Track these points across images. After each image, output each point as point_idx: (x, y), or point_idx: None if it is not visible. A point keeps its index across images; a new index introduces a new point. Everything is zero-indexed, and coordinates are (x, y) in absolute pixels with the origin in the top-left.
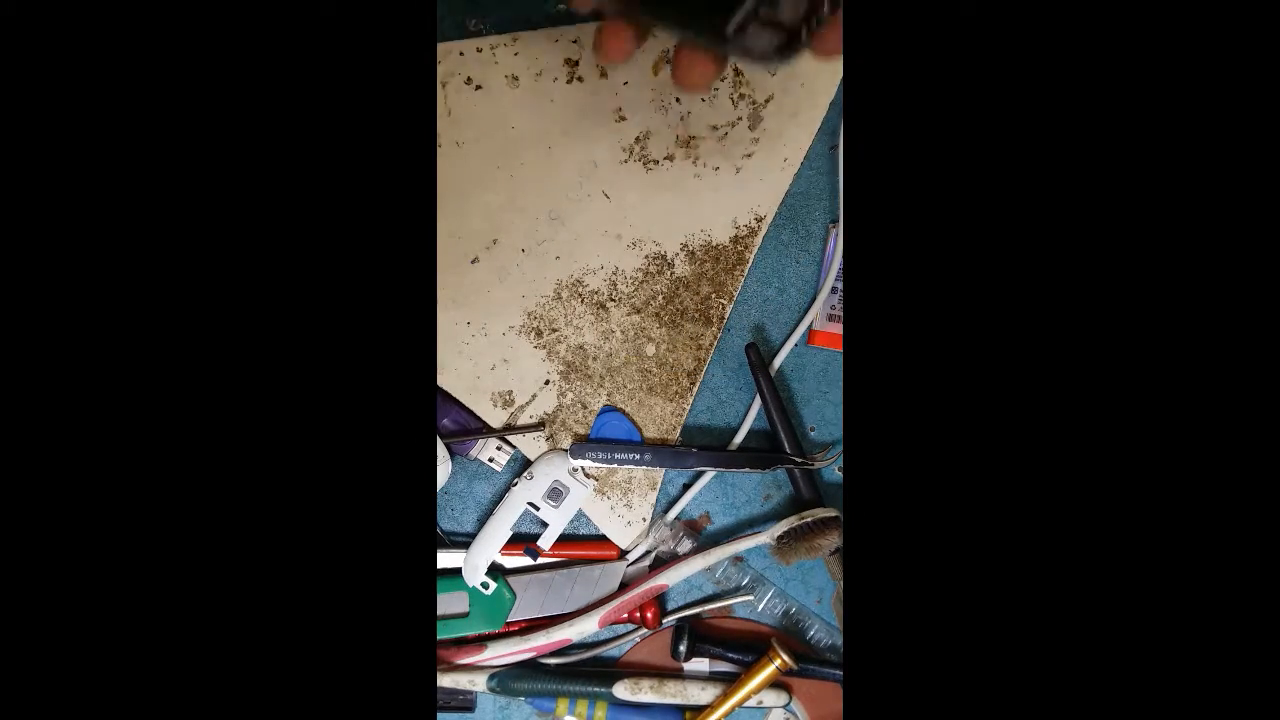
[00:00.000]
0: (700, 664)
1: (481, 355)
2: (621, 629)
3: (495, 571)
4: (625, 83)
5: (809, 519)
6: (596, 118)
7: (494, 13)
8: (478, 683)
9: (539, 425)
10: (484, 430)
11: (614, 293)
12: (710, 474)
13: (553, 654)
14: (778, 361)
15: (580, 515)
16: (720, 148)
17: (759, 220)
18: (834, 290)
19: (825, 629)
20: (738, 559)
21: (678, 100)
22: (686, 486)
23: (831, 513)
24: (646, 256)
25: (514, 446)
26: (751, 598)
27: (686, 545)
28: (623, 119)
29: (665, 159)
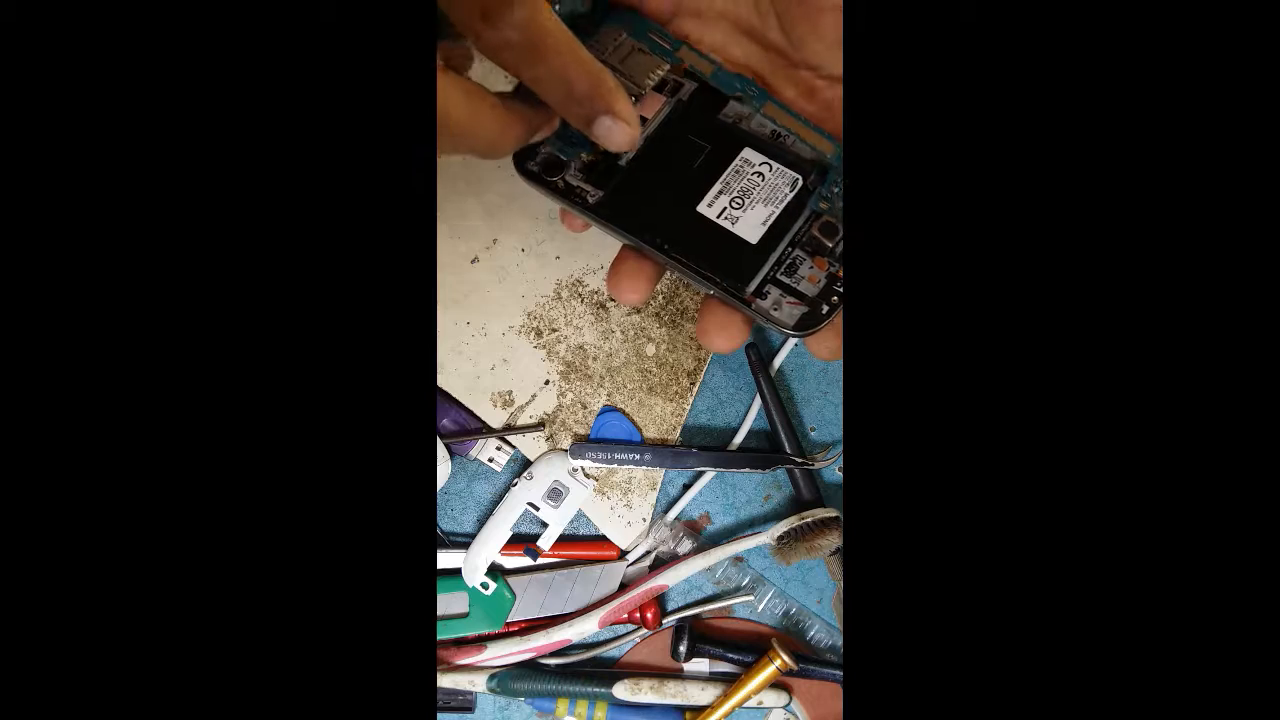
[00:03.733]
0: (700, 664)
1: (481, 355)
2: (621, 629)
3: (495, 572)
4: None
5: (809, 519)
6: None
7: None
8: (477, 683)
9: (539, 425)
10: (484, 430)
11: None
12: (710, 474)
13: (553, 654)
14: (778, 361)
15: (580, 515)
16: None
17: None
18: None
19: (825, 629)
20: (738, 559)
21: None
22: (686, 486)
23: (831, 513)
24: None
25: (514, 446)
26: (751, 598)
27: (686, 545)
28: None
29: None
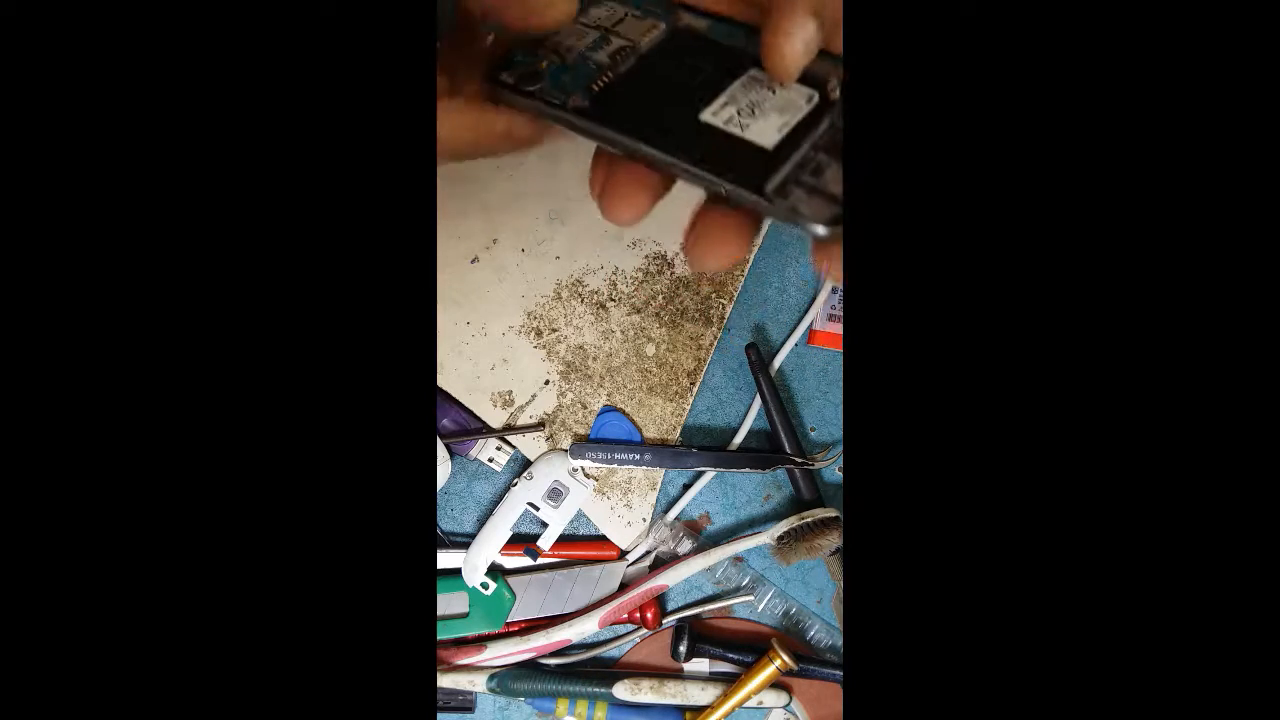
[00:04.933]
0: (700, 664)
1: (481, 355)
2: (621, 629)
3: (495, 571)
4: None
5: (809, 519)
6: None
7: None
8: (477, 683)
9: (539, 425)
10: (484, 430)
11: (614, 293)
12: (710, 474)
13: (553, 654)
14: (778, 361)
15: (580, 515)
16: None
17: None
18: (834, 290)
19: (825, 629)
20: (738, 559)
21: None
22: (686, 486)
23: (831, 513)
24: (646, 256)
25: (514, 446)
26: (751, 598)
27: (686, 545)
28: None
29: None
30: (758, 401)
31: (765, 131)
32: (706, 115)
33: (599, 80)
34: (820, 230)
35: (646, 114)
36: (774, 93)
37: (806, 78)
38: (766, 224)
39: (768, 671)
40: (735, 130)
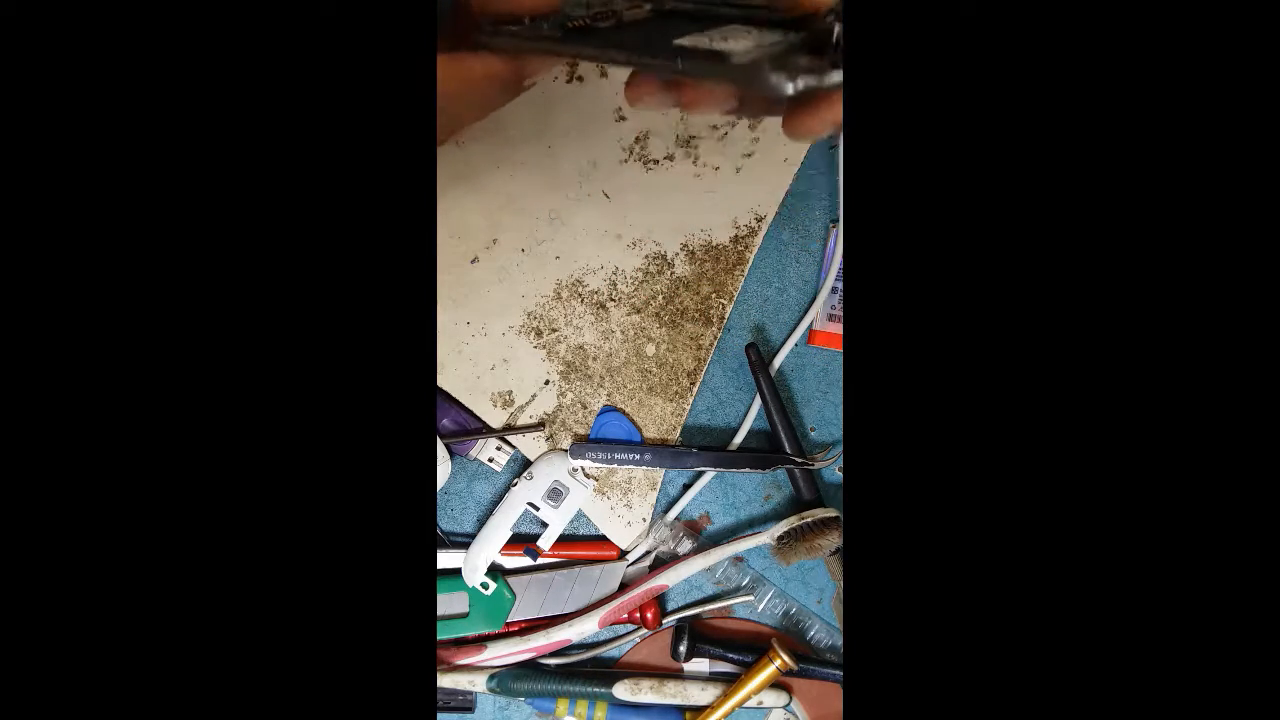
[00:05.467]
0: (700, 664)
1: (481, 355)
2: (621, 629)
3: (495, 572)
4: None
5: (809, 519)
6: (596, 117)
7: None
8: (477, 683)
9: (539, 425)
10: (484, 430)
11: (614, 293)
12: (710, 474)
13: (553, 654)
14: (778, 361)
15: (580, 515)
16: (720, 147)
17: (759, 220)
18: (834, 290)
19: (825, 629)
20: (738, 559)
21: None
22: (686, 486)
23: (831, 513)
24: (646, 256)
25: (514, 446)
26: (751, 598)
27: (686, 545)
28: (623, 119)
29: (665, 159)
30: (758, 401)
31: (735, 46)
32: (678, 40)
33: (573, 22)
34: (789, 87)
35: (617, 38)
36: (750, 34)
37: (783, 22)
38: (771, 216)
39: (768, 671)
40: (704, 45)
